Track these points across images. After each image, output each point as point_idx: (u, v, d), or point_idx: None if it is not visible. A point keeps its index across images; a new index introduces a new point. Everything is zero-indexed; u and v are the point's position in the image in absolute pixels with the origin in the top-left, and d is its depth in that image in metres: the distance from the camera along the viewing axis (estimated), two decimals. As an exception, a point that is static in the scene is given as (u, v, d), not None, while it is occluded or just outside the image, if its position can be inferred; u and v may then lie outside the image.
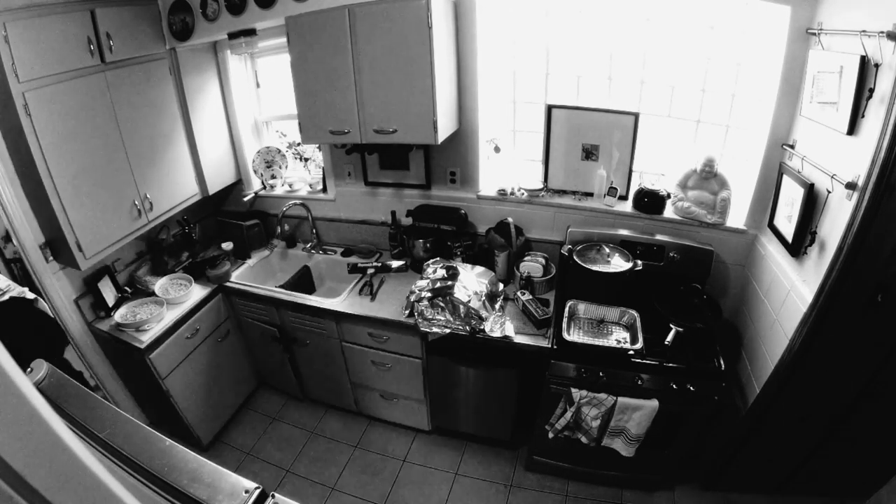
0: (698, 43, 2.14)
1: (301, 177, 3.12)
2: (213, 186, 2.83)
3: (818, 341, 1.67)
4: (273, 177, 3.06)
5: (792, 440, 2.01)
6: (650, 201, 2.31)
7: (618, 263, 2.18)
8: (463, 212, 2.60)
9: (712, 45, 2.12)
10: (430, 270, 2.37)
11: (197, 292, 2.56)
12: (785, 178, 1.88)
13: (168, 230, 2.79)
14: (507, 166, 2.62)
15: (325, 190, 2.97)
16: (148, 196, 2.43)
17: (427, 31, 1.94)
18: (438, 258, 2.49)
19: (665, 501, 2.30)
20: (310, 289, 2.88)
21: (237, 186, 3.09)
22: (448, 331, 2.17)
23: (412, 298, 2.24)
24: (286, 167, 3.08)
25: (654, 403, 1.91)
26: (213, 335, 2.64)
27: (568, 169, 2.47)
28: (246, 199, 3.04)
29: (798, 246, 1.76)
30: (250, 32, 2.35)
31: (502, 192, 2.57)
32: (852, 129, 1.49)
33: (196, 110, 2.63)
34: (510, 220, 2.40)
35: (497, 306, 2.28)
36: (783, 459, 2.11)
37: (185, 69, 2.52)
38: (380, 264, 2.58)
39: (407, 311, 2.27)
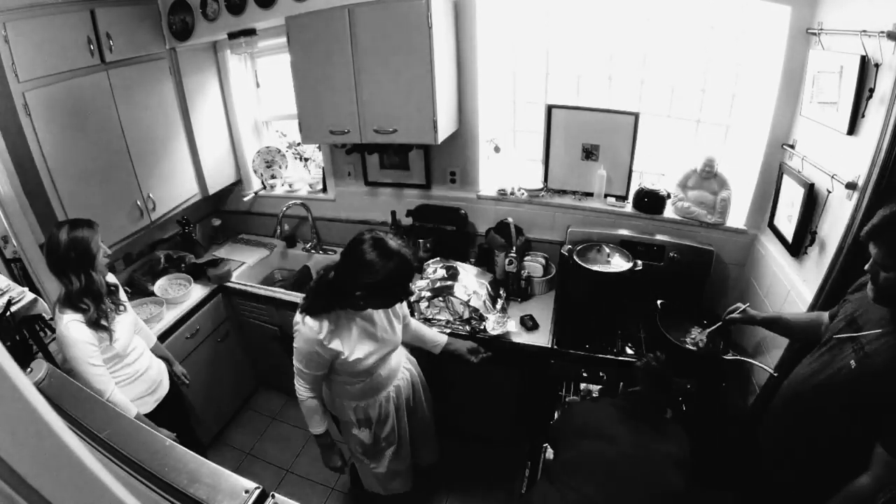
0: (698, 43, 2.14)
1: (301, 177, 3.12)
2: (214, 186, 2.83)
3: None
4: (273, 177, 3.06)
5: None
6: (650, 201, 2.31)
7: (618, 263, 2.17)
8: (463, 212, 2.60)
9: (712, 45, 2.12)
10: (430, 270, 2.37)
11: (197, 292, 2.56)
12: (785, 178, 1.88)
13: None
14: (507, 166, 2.62)
15: (325, 190, 2.96)
16: (151, 196, 2.43)
17: (427, 31, 1.94)
18: (438, 258, 2.49)
19: (665, 501, 2.30)
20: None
21: (237, 186, 3.09)
22: (448, 331, 2.16)
23: (412, 298, 2.24)
24: (286, 167, 3.08)
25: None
26: (213, 335, 2.64)
27: (568, 169, 2.47)
28: (246, 199, 3.04)
29: (798, 246, 1.76)
30: (250, 32, 2.35)
31: (502, 192, 2.56)
32: (852, 129, 1.49)
33: (196, 110, 2.63)
34: (510, 220, 2.40)
35: (498, 306, 2.28)
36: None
37: (185, 69, 2.52)
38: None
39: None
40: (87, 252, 1.67)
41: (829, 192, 1.58)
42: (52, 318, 1.98)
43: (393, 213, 2.74)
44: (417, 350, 2.40)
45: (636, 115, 2.25)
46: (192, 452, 0.67)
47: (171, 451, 0.67)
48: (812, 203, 1.68)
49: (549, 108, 2.37)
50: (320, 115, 2.28)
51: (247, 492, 0.61)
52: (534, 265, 2.44)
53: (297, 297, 2.53)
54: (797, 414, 1.33)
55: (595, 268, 2.15)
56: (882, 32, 1.32)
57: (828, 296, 1.57)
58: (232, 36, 2.36)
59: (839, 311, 1.34)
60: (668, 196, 2.33)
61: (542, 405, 2.20)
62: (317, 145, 2.89)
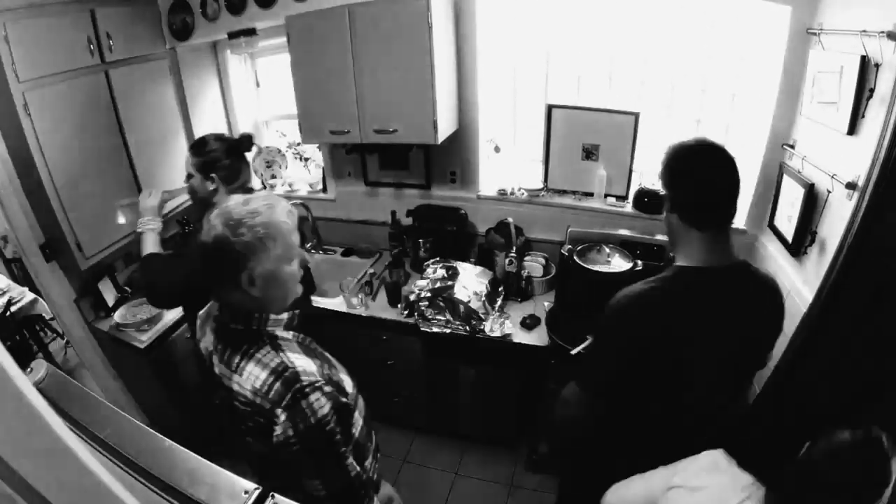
0: (698, 42, 2.14)
1: (301, 177, 3.12)
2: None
3: (818, 341, 1.67)
4: (273, 177, 3.06)
5: (792, 440, 2.01)
6: (650, 201, 2.31)
7: (618, 263, 2.17)
8: (463, 212, 2.60)
9: (712, 44, 2.12)
10: (430, 270, 2.37)
11: (197, 292, 2.56)
12: (785, 177, 1.88)
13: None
14: (507, 166, 2.62)
15: (325, 190, 2.96)
16: (151, 195, 2.43)
17: (427, 31, 1.94)
18: (438, 258, 2.49)
19: (665, 501, 2.30)
20: (310, 289, 2.87)
21: (237, 186, 3.09)
22: (448, 331, 2.17)
23: (412, 298, 2.25)
24: (286, 167, 3.08)
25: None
26: (213, 335, 2.64)
27: (568, 169, 2.47)
28: (246, 199, 3.04)
29: (798, 246, 1.76)
30: (250, 32, 2.35)
31: (502, 192, 2.56)
32: (852, 129, 1.49)
33: (196, 110, 2.64)
34: (510, 220, 2.40)
35: (497, 306, 2.28)
36: (783, 458, 2.11)
37: (185, 69, 2.53)
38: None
39: (406, 312, 2.27)
40: None
41: (829, 192, 1.58)
42: (52, 318, 1.98)
43: (393, 213, 2.74)
44: (421, 344, 2.41)
45: (636, 115, 2.25)
46: (192, 452, 0.67)
47: (171, 451, 0.67)
48: (812, 203, 1.68)
49: (549, 108, 2.37)
50: (320, 115, 2.28)
51: (247, 492, 0.61)
52: (534, 265, 2.44)
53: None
54: None
55: (595, 268, 2.15)
56: (882, 32, 1.32)
57: (828, 296, 1.57)
58: (232, 36, 2.36)
59: None
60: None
61: (541, 405, 2.20)
62: (317, 145, 2.89)
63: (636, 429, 1.30)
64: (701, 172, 1.10)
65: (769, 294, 1.17)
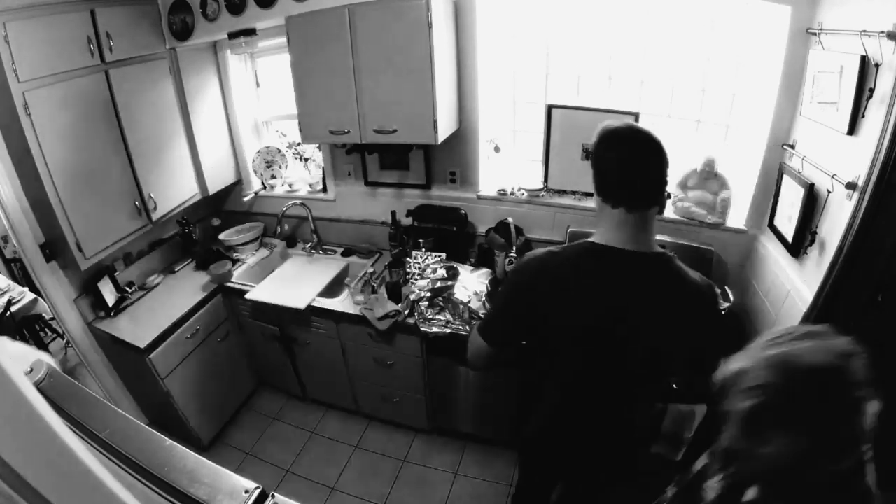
0: (698, 43, 2.14)
1: (301, 177, 3.12)
2: (214, 186, 2.83)
3: (818, 341, 1.67)
4: (273, 177, 3.06)
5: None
6: (650, 201, 2.31)
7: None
8: (463, 212, 2.60)
9: (712, 44, 2.12)
10: (429, 270, 2.37)
11: (197, 293, 2.56)
12: (785, 178, 1.88)
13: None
14: (507, 166, 2.62)
15: (325, 190, 2.97)
16: (152, 196, 2.43)
17: (427, 31, 1.94)
18: (438, 258, 2.49)
19: (665, 501, 2.30)
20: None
21: (237, 186, 3.09)
22: (448, 331, 2.17)
23: (412, 298, 2.25)
24: (286, 167, 3.08)
25: (659, 405, 1.91)
26: (213, 335, 2.64)
27: (568, 169, 2.47)
28: (246, 199, 3.04)
29: (798, 246, 1.76)
30: (250, 32, 2.35)
31: (502, 192, 2.56)
32: (852, 129, 1.49)
33: (196, 110, 2.63)
34: (510, 220, 2.40)
35: (497, 306, 2.28)
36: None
37: (185, 69, 2.53)
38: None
39: (406, 311, 2.27)
40: None
41: (829, 192, 1.58)
42: (52, 318, 1.98)
43: (393, 213, 2.74)
44: (429, 345, 2.41)
45: (636, 115, 2.25)
46: (192, 452, 0.67)
47: (171, 451, 0.67)
48: (812, 203, 1.68)
49: (549, 108, 2.37)
50: (320, 115, 2.28)
51: (247, 492, 0.61)
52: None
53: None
54: None
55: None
56: (882, 32, 1.32)
57: (828, 296, 1.57)
58: (232, 36, 2.36)
59: None
60: (669, 196, 2.33)
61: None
62: (317, 145, 2.89)
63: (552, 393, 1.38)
64: (621, 151, 1.12)
65: (692, 297, 1.14)
